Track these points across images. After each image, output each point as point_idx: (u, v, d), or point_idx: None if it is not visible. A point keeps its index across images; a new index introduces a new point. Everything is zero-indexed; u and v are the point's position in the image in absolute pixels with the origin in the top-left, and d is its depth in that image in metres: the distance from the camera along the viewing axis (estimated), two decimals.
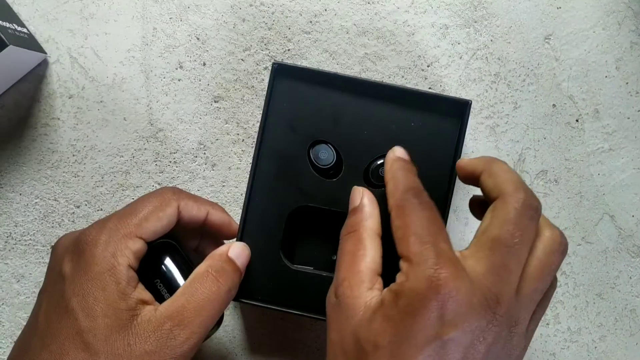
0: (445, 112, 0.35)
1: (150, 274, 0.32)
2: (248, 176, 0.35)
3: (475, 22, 0.42)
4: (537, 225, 0.29)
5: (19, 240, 0.38)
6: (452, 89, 0.41)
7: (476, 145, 0.41)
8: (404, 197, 0.29)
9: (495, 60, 0.42)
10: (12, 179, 0.39)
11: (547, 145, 0.42)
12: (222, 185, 0.40)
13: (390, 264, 0.29)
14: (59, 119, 0.39)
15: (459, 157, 0.35)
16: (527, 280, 0.28)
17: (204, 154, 0.40)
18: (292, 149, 0.35)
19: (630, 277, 0.42)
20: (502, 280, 0.27)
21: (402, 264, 0.28)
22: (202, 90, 0.40)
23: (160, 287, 0.32)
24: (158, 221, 0.31)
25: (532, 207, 0.28)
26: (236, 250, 0.33)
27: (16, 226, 0.38)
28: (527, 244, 0.28)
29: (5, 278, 0.38)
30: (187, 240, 0.36)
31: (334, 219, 0.35)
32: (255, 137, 0.36)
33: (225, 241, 0.37)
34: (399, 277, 0.27)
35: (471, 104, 0.35)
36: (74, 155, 0.39)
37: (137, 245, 0.30)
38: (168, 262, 0.33)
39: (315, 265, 0.36)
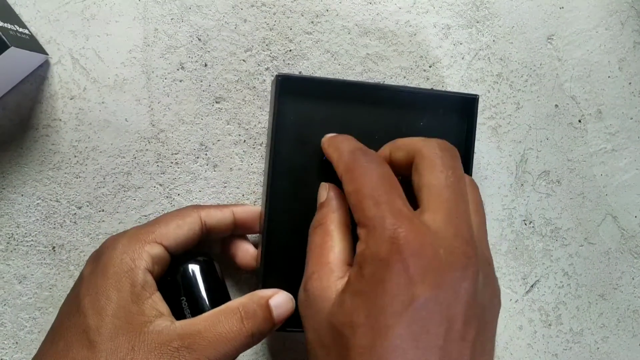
0: (453, 109, 0.35)
1: (177, 291, 0.31)
2: (262, 200, 0.33)
3: (478, 22, 0.41)
4: (459, 160, 0.29)
5: (21, 242, 0.38)
6: (454, 89, 0.41)
7: (478, 145, 0.41)
8: (351, 159, 0.28)
9: (498, 61, 0.41)
10: (13, 180, 0.39)
11: (550, 145, 0.42)
12: (224, 186, 0.40)
13: None
14: (60, 120, 0.39)
15: (472, 152, 0.35)
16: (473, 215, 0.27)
17: (206, 154, 0.40)
18: (304, 162, 0.34)
19: (633, 278, 0.42)
20: (463, 222, 0.26)
21: (360, 231, 0.26)
22: (203, 91, 0.40)
23: (185, 305, 0.30)
24: (178, 228, 0.31)
25: (446, 147, 0.28)
26: (278, 300, 0.30)
27: (18, 227, 0.38)
28: (461, 178, 0.27)
29: (7, 279, 0.38)
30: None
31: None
32: (256, 139, 0.36)
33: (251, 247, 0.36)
34: (359, 246, 0.26)
35: (478, 99, 0.35)
36: (75, 157, 0.39)
37: (156, 251, 0.29)
38: (199, 283, 0.31)
39: None
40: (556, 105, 0.42)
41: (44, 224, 0.39)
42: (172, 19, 0.40)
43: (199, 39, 0.40)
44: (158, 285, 0.30)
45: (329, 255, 0.28)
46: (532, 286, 0.41)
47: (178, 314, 0.29)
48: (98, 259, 0.29)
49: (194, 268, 0.31)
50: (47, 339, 0.29)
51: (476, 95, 0.35)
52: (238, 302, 0.30)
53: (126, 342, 0.27)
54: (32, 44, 0.37)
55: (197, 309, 0.30)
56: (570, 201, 0.42)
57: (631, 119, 0.42)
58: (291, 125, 0.34)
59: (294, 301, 0.31)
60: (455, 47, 0.41)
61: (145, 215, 0.39)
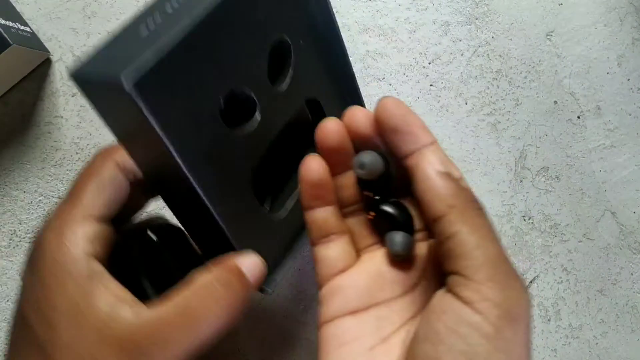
0: None
1: (135, 269, 0.26)
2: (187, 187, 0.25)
3: (477, 19, 0.42)
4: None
5: (23, 238, 0.39)
6: (454, 86, 0.41)
7: (477, 142, 0.41)
8: (467, 201, 0.24)
9: (497, 57, 0.42)
10: (16, 177, 0.39)
11: (549, 142, 0.42)
12: None
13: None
14: (62, 117, 0.39)
15: (331, 11, 0.30)
16: None
17: None
18: (203, 130, 0.25)
19: (632, 274, 0.42)
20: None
21: (488, 286, 0.22)
22: None
23: (146, 284, 0.25)
24: (101, 190, 0.25)
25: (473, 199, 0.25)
26: (248, 262, 0.26)
27: (20, 224, 0.39)
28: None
29: (10, 275, 0.39)
30: None
31: (281, 140, 0.29)
32: None
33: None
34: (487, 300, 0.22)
35: None
36: (77, 153, 0.39)
37: (89, 229, 0.24)
38: (160, 253, 0.26)
39: (286, 192, 0.32)
40: (555, 102, 0.42)
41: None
42: None
43: None
44: (109, 267, 0.25)
45: None
46: (531, 282, 0.41)
47: (141, 295, 0.24)
48: (32, 263, 0.25)
49: (150, 236, 0.26)
50: (6, 356, 0.25)
51: None
52: (209, 275, 0.25)
53: (85, 350, 0.23)
54: (33, 41, 0.37)
55: (163, 284, 0.25)
56: (570, 197, 0.42)
57: (630, 115, 0.42)
58: (169, 112, 0.24)
59: (263, 262, 0.27)
60: (455, 44, 0.41)
61: (146, 212, 0.39)
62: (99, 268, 0.24)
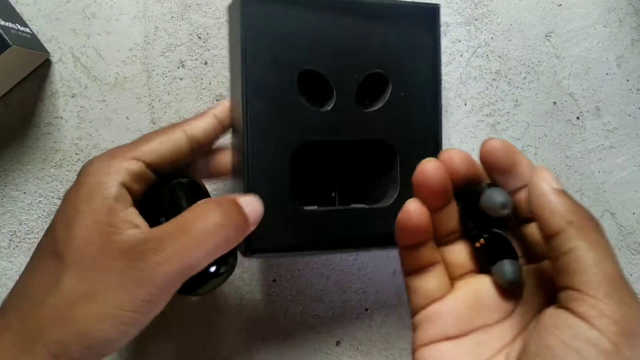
0: (418, 20, 0.34)
1: (157, 211, 0.29)
2: (241, 124, 0.31)
3: (476, 19, 0.42)
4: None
5: (23, 239, 0.39)
6: (453, 87, 0.41)
7: (477, 143, 0.41)
8: (585, 217, 0.24)
9: (496, 58, 0.42)
10: (15, 178, 0.39)
11: (548, 142, 0.42)
12: (224, 183, 0.40)
13: None
14: (62, 118, 0.39)
15: (439, 63, 0.35)
16: None
17: None
18: (279, 83, 0.32)
19: (631, 275, 0.42)
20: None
21: (586, 302, 0.22)
22: (203, 89, 0.40)
23: (162, 221, 0.29)
24: (162, 144, 0.29)
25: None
26: (249, 200, 0.29)
27: (20, 224, 0.39)
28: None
29: (10, 276, 0.39)
30: None
31: (333, 150, 0.35)
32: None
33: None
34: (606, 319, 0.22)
35: (439, 8, 0.35)
36: (77, 154, 0.39)
37: (135, 167, 0.28)
38: (179, 201, 0.30)
39: (318, 204, 0.35)
40: (554, 103, 0.42)
41: (45, 221, 0.39)
42: (172, 17, 0.40)
43: (199, 37, 0.40)
44: (140, 204, 0.29)
45: None
46: None
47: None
48: (77, 182, 0.29)
49: (176, 186, 0.30)
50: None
51: (437, 4, 0.35)
52: (210, 201, 0.28)
53: (93, 251, 0.26)
54: (33, 42, 0.37)
55: None
56: None
57: (629, 115, 0.42)
58: (260, 43, 0.32)
59: (260, 202, 0.30)
60: (454, 45, 0.41)
61: None
62: (127, 196, 0.28)
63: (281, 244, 0.32)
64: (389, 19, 0.34)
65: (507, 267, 0.27)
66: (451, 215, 0.29)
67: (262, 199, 0.30)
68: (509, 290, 0.27)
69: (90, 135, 0.39)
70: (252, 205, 0.29)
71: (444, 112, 0.41)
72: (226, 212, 0.28)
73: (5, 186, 0.39)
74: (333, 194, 0.37)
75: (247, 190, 0.31)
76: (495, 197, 0.26)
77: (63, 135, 0.39)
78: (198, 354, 0.40)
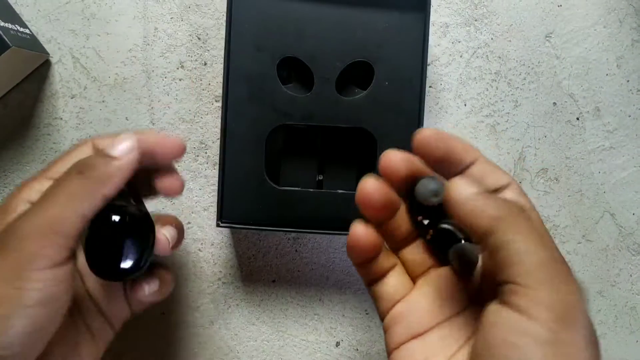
0: (407, 9, 0.35)
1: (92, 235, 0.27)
2: (221, 104, 0.34)
3: (476, 20, 0.42)
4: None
5: None
6: (453, 87, 0.41)
7: (476, 143, 0.41)
8: (512, 211, 0.23)
9: (496, 59, 0.42)
10: (15, 179, 0.39)
11: (548, 143, 0.42)
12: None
13: None
14: (61, 118, 0.39)
15: (427, 51, 0.35)
16: None
17: (206, 153, 0.40)
18: (260, 69, 0.34)
19: (631, 275, 0.42)
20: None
21: (526, 295, 0.22)
22: (203, 89, 0.40)
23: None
24: (66, 163, 0.28)
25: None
26: (108, 141, 0.28)
27: None
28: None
29: None
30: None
31: (312, 135, 0.36)
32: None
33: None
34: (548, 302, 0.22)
35: None
36: None
37: (46, 186, 0.28)
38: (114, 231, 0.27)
39: (301, 185, 0.36)
40: (554, 103, 0.42)
41: None
42: (171, 18, 0.40)
43: (199, 38, 0.40)
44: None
45: None
46: None
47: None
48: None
49: (112, 217, 0.27)
50: None
51: None
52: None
53: None
54: (32, 43, 0.37)
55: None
56: (569, 199, 0.42)
57: (629, 116, 0.42)
58: (245, 30, 0.34)
59: (134, 137, 0.28)
60: (454, 45, 0.41)
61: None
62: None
63: (250, 216, 0.35)
64: (377, 7, 0.35)
65: (462, 248, 0.27)
66: (404, 219, 0.29)
67: (236, 174, 0.34)
68: (459, 280, 0.27)
69: (89, 136, 0.39)
70: (118, 143, 0.28)
71: (443, 113, 0.41)
72: (98, 168, 0.27)
73: (5, 187, 0.39)
74: (319, 178, 0.38)
75: (223, 164, 0.34)
76: (425, 186, 0.27)
77: (63, 136, 0.39)
78: (198, 355, 0.40)
